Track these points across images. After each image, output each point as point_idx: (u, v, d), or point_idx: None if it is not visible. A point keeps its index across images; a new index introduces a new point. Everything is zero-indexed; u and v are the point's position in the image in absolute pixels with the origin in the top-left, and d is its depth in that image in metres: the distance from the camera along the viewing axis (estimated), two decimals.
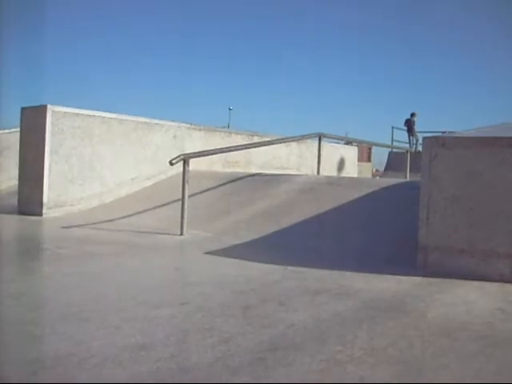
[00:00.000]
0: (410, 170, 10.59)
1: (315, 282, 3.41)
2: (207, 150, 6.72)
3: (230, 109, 49.21)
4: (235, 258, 4.17)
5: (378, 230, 4.88)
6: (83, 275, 3.53)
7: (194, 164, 5.82)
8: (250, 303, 2.85)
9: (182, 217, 5.27)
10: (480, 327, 2.57)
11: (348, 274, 3.72)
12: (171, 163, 5.38)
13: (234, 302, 2.91)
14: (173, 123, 8.22)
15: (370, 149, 24.24)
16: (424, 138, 3.99)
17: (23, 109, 6.98)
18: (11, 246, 4.72)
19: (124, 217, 6.23)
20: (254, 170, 8.37)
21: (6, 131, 9.22)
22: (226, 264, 4.00)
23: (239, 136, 9.47)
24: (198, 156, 6.06)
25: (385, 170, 19.59)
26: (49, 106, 6.52)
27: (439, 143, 3.83)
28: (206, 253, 4.33)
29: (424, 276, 3.64)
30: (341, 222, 5.23)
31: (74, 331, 2.30)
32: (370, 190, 5.85)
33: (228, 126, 23.27)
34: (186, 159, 5.44)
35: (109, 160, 7.18)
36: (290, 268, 3.80)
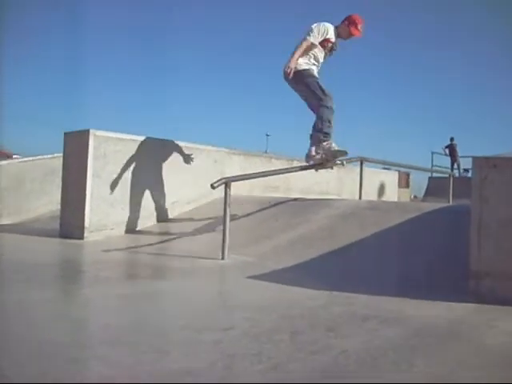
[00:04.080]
0: (452, 196, 10.30)
1: (362, 308, 3.29)
2: (249, 174, 6.67)
3: (267, 135, 49.53)
4: (278, 282, 4.07)
5: (423, 255, 4.71)
6: (122, 298, 3.47)
7: (233, 189, 5.75)
8: (298, 329, 2.75)
9: (224, 241, 5.20)
10: None
11: (395, 299, 3.58)
12: (213, 186, 5.33)
13: (280, 327, 2.81)
14: (212, 148, 8.22)
15: (408, 175, 23.92)
16: (473, 158, 3.84)
17: (66, 134, 7.06)
18: (51, 268, 4.71)
19: (164, 241, 6.20)
20: (293, 196, 8.27)
21: (49, 156, 9.37)
22: (269, 288, 3.90)
23: (279, 161, 9.42)
24: (240, 179, 6.00)
25: (424, 195, 19.23)
26: (91, 130, 6.58)
27: (490, 164, 3.69)
28: (249, 277, 4.24)
29: (476, 303, 3.47)
30: (383, 247, 5.08)
31: (115, 354, 2.24)
32: (414, 215, 5.69)
33: (266, 153, 23.28)
34: (227, 183, 5.40)
35: (150, 184, 7.18)
36: (334, 293, 3.68)
